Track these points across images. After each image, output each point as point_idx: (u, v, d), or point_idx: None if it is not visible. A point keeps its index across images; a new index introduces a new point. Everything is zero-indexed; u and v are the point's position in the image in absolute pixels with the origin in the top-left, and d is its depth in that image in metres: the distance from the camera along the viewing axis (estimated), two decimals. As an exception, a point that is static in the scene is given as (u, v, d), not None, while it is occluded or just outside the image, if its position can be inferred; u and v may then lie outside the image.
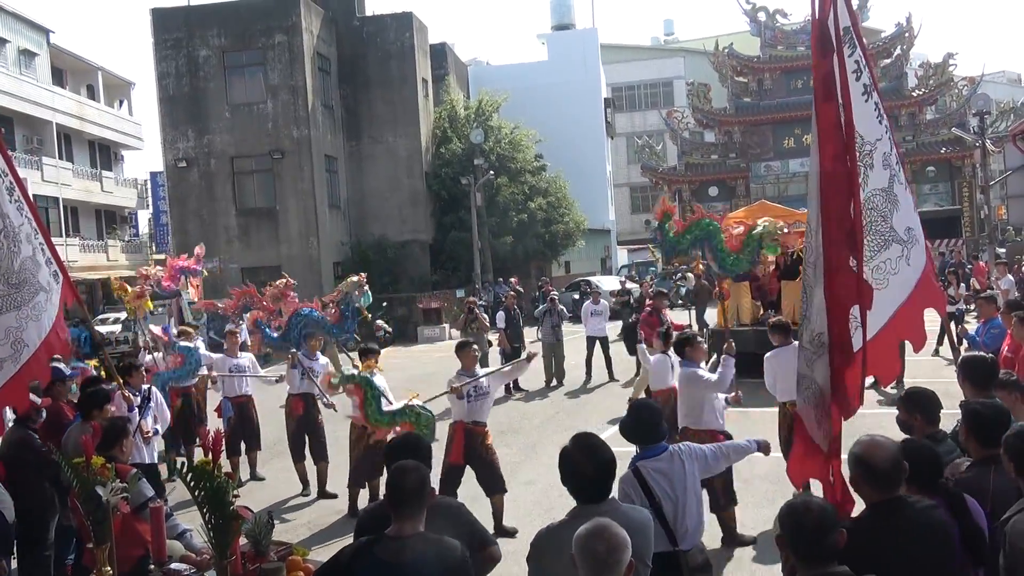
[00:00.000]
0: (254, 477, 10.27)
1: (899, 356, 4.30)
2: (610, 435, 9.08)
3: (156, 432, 7.86)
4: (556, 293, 18.57)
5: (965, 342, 8.93)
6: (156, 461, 7.81)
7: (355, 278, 8.81)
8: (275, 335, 10.06)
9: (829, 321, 3.71)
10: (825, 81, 3.73)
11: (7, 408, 6.35)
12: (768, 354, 8.26)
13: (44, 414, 6.87)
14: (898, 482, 3.21)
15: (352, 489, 8.56)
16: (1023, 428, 3.47)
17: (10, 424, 6.52)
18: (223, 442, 4.12)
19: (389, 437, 7.34)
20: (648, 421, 4.32)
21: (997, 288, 16.39)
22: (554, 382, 15.99)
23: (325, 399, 9.66)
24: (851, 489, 3.44)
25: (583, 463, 3.28)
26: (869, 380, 4.23)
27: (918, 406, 4.29)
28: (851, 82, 3.80)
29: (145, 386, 8.10)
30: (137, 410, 7.51)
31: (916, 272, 4.24)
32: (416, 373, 17.34)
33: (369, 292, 8.96)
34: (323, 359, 9.93)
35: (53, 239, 6.66)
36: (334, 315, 9.61)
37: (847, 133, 3.71)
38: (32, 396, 6.61)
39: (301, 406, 9.56)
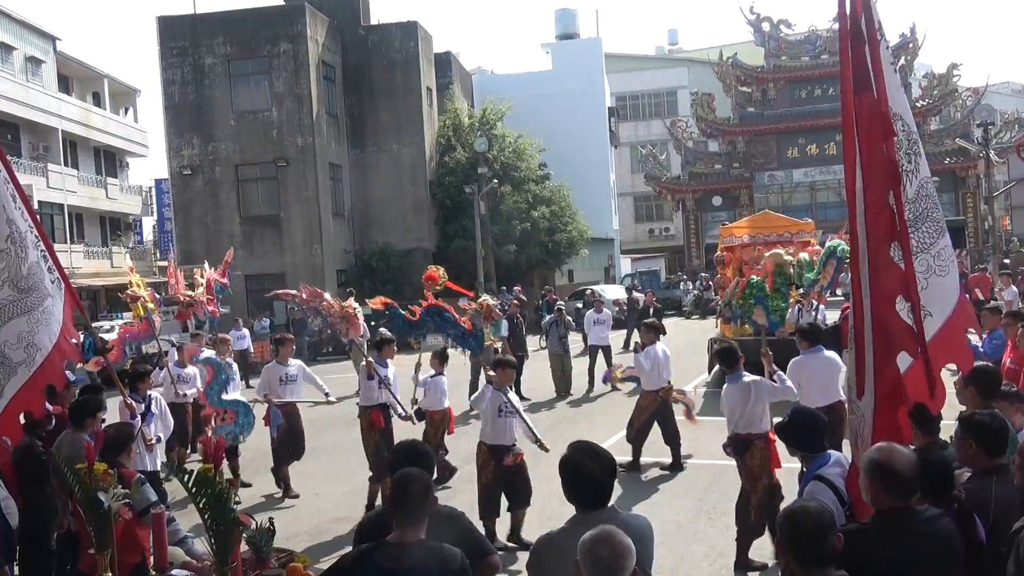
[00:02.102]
0: (287, 494, 9.66)
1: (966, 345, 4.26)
2: (611, 444, 9.07)
3: (159, 439, 7.86)
4: (562, 303, 18.45)
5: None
6: (158, 468, 7.81)
7: (488, 300, 8.24)
8: (407, 320, 8.98)
9: (874, 314, 3.74)
10: (859, 72, 3.72)
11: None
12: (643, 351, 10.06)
13: (54, 421, 6.88)
14: (915, 490, 3.21)
15: (487, 522, 7.63)
16: None
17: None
18: (224, 449, 4.12)
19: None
20: (815, 427, 4.29)
21: (1002, 299, 16.34)
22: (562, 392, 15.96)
23: (401, 411, 9.15)
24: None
25: (591, 466, 3.28)
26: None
27: (915, 416, 4.29)
28: (888, 73, 3.80)
29: (150, 392, 8.11)
30: (140, 417, 7.53)
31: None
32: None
33: (502, 325, 8.37)
34: (392, 367, 9.30)
35: (57, 246, 6.71)
36: (467, 324, 8.83)
37: (884, 121, 3.71)
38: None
39: (382, 418, 8.93)
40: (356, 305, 9.43)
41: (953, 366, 4.42)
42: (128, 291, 10.15)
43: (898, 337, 3.80)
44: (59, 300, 5.87)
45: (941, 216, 4.12)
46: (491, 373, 7.83)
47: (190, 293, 10.41)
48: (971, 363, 4.35)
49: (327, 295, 9.37)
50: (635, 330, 17.23)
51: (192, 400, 10.56)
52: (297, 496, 9.65)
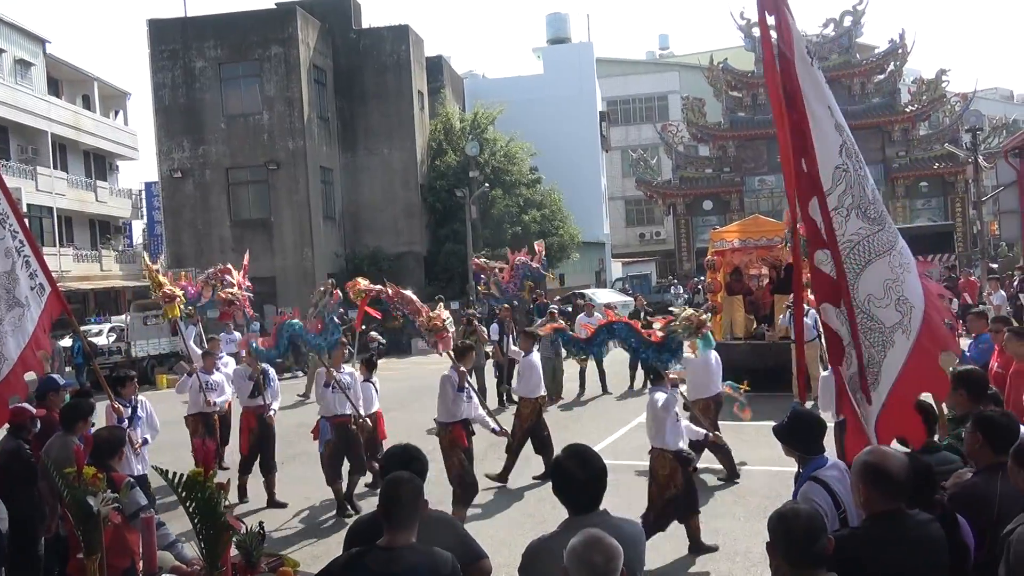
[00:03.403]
0: (352, 508, 9.01)
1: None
2: (603, 447, 9.08)
3: (146, 442, 7.82)
4: (555, 307, 18.30)
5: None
6: (146, 472, 7.76)
7: (691, 312, 7.69)
8: (578, 341, 8.16)
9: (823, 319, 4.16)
10: (789, 94, 3.95)
11: None
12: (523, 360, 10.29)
13: (39, 424, 6.85)
14: (908, 492, 3.23)
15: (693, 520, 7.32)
16: None
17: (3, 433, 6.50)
18: (214, 456, 4.11)
19: None
20: (813, 429, 4.32)
21: (989, 304, 16.44)
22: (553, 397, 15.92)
23: (494, 424, 8.51)
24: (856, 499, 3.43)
25: (576, 471, 3.28)
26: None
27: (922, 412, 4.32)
28: (813, 92, 3.97)
29: (134, 396, 8.06)
30: (127, 421, 7.49)
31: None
32: (411, 385, 17.34)
33: (710, 338, 7.75)
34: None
35: (46, 249, 6.68)
36: (655, 337, 7.76)
37: (805, 137, 3.90)
38: (28, 406, 6.60)
39: (464, 436, 8.15)
40: (446, 315, 8.79)
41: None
42: (163, 291, 10.02)
43: (834, 343, 4.11)
44: (34, 310, 5.83)
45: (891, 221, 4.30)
46: (673, 376, 7.18)
47: (232, 291, 10.32)
48: (956, 345, 4.55)
49: (417, 300, 8.87)
50: None
51: (220, 409, 10.11)
52: (285, 505, 9.40)
